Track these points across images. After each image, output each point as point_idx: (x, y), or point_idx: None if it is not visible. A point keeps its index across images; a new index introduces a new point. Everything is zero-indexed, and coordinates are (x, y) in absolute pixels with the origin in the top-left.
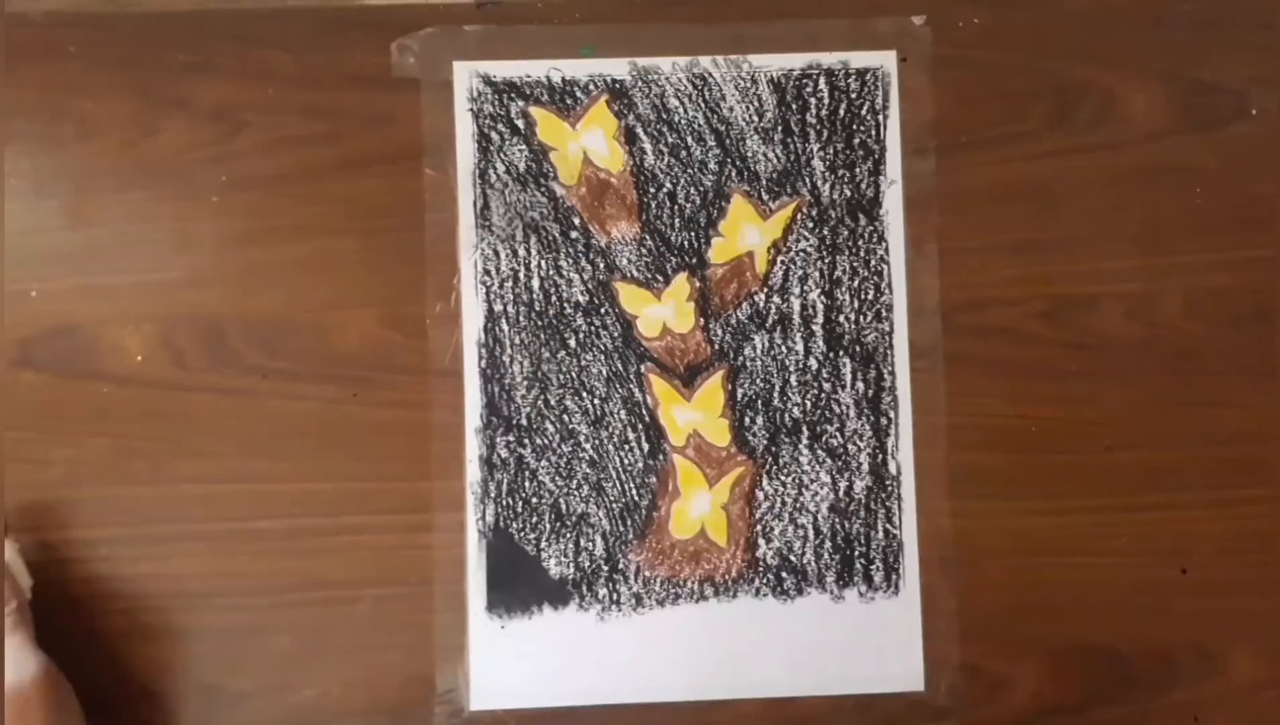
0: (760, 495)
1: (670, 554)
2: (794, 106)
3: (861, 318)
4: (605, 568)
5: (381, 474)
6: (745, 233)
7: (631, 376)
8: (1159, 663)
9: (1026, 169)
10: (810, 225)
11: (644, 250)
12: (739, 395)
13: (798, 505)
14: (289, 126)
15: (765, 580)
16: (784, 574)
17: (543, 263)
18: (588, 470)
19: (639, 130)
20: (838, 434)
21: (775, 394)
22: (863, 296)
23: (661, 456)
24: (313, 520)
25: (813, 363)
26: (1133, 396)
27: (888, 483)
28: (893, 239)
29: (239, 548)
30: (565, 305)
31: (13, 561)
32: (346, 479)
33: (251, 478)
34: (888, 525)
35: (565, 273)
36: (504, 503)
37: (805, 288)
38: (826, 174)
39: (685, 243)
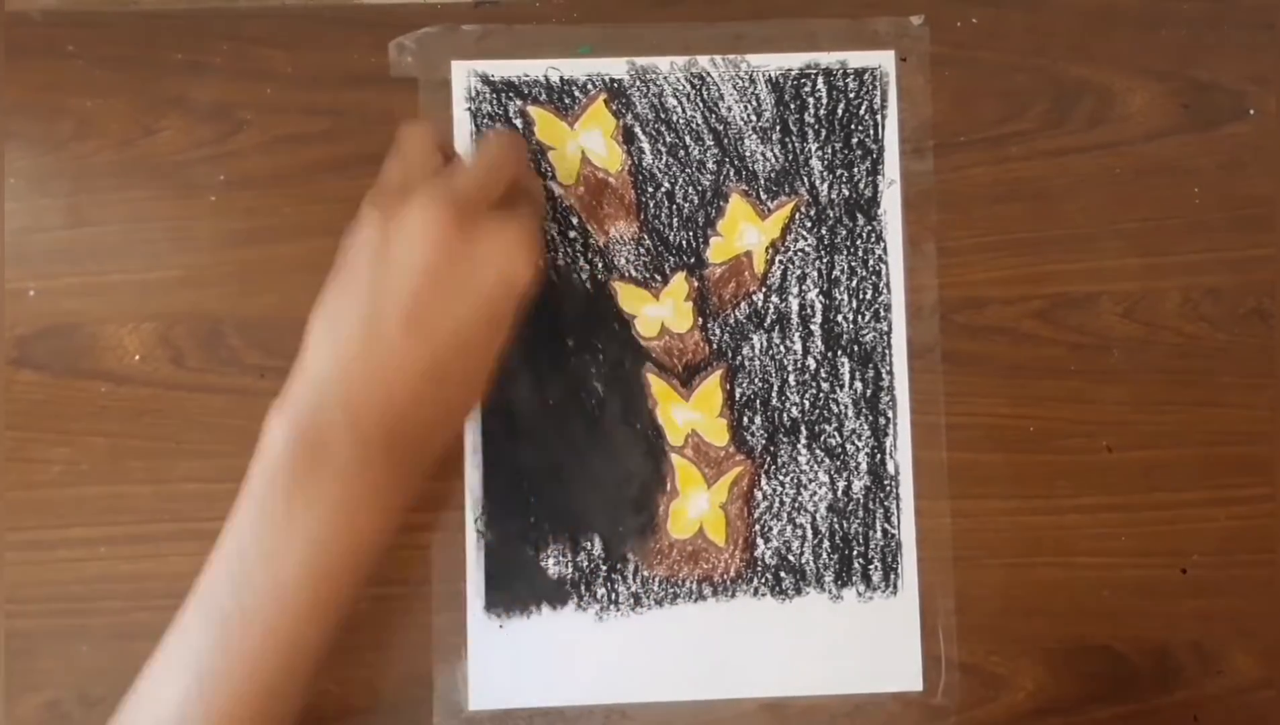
0: (759, 495)
1: (669, 554)
2: (792, 106)
3: (860, 317)
4: (604, 567)
5: None
6: (743, 232)
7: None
8: (1158, 662)
9: (1024, 168)
10: (808, 225)
11: (642, 250)
12: (737, 395)
13: (796, 505)
14: (287, 126)
15: (764, 580)
16: (782, 573)
17: (540, 262)
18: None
19: (637, 130)
20: (836, 433)
21: (773, 394)
22: (861, 296)
23: (660, 456)
24: None
25: (811, 362)
26: (1132, 396)
27: (886, 482)
28: (891, 238)
29: None
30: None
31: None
32: None
33: None
34: (886, 525)
35: (563, 272)
36: (502, 502)
37: (803, 287)
38: (825, 174)
39: (683, 242)
